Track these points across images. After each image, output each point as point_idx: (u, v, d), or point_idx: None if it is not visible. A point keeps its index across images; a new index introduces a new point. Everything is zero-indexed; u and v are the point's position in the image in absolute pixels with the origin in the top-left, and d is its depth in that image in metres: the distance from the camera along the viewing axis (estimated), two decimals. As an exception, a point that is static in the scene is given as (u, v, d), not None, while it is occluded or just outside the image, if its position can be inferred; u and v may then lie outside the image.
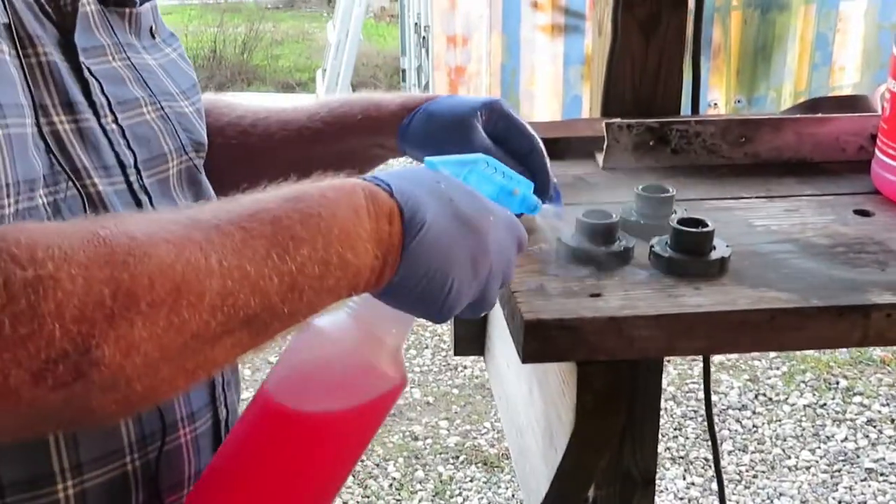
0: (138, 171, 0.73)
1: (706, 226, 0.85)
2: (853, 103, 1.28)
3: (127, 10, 0.78)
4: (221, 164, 0.98)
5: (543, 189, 0.88)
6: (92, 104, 0.70)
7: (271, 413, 0.71)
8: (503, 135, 0.89)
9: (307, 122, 0.96)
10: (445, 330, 3.55)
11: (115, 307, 0.50)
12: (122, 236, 0.52)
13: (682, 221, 0.86)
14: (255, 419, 0.72)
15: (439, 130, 0.88)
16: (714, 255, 0.85)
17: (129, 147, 0.73)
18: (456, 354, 1.39)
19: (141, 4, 0.80)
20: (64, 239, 0.51)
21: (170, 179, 0.77)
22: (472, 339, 1.35)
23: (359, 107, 0.94)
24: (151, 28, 0.83)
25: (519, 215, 0.75)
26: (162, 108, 0.78)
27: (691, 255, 0.84)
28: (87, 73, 0.71)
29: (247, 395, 3.12)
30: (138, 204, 0.72)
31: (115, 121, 0.72)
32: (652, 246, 0.86)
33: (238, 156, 0.99)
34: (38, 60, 0.67)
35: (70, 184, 0.66)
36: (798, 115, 1.17)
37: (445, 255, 0.65)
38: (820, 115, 1.16)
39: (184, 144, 0.80)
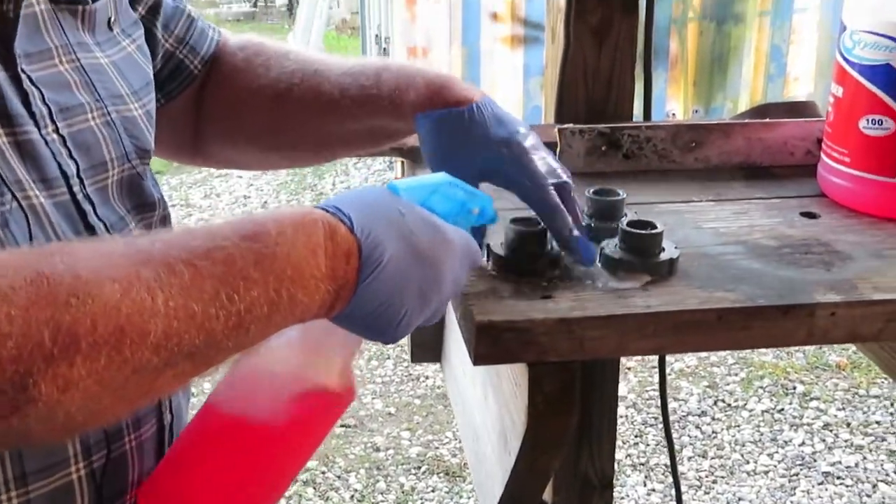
0: (81, 181, 0.72)
1: (655, 228, 0.86)
2: (801, 109, 1.31)
3: (80, 8, 0.76)
4: (258, 128, 0.98)
5: (564, 246, 0.84)
6: (32, 115, 0.69)
7: (217, 423, 0.72)
8: (513, 180, 0.84)
9: (339, 97, 0.92)
10: (407, 341, 3.55)
11: (55, 348, 0.50)
12: (66, 275, 0.52)
13: (631, 224, 0.87)
14: (201, 425, 0.73)
15: (443, 149, 0.86)
16: (663, 256, 0.86)
17: (70, 156, 0.71)
18: (413, 361, 1.39)
19: (95, 1, 0.78)
20: (5, 277, 0.50)
21: (108, 188, 0.76)
22: (428, 346, 1.35)
23: (387, 89, 0.89)
24: (110, 20, 0.81)
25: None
26: (108, 112, 0.77)
27: (641, 256, 0.85)
28: (26, 83, 0.69)
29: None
30: (82, 214, 0.71)
31: (56, 130, 0.71)
32: (603, 248, 0.87)
33: (272, 121, 0.97)
34: None
35: (11, 197, 0.65)
36: (747, 121, 1.19)
37: (399, 290, 0.66)
38: (768, 120, 1.18)
39: (127, 152, 0.78)
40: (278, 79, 0.96)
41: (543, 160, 0.85)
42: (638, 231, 0.86)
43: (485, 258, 0.86)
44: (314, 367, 0.71)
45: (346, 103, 0.91)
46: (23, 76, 0.69)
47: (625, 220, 0.88)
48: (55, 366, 0.50)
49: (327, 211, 0.65)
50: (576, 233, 0.83)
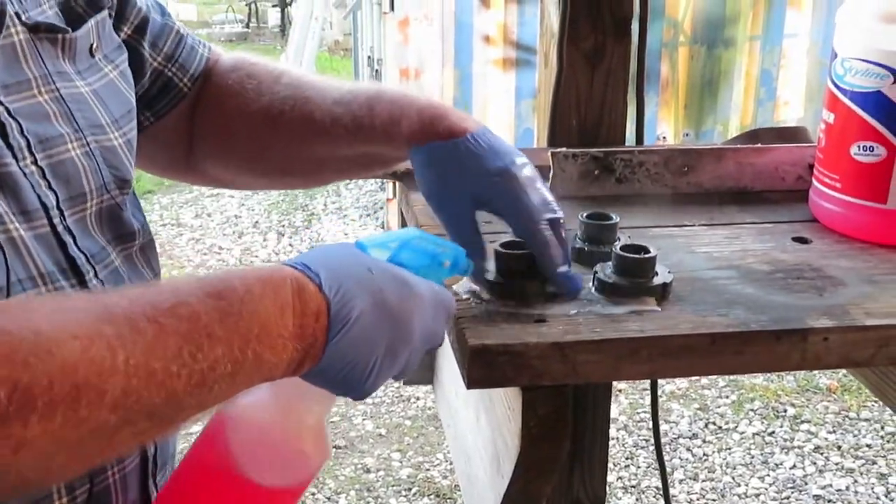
0: (61, 212, 0.71)
1: (648, 252, 0.87)
2: (792, 134, 1.32)
3: (60, 36, 0.75)
4: (248, 151, 0.98)
5: (551, 281, 0.84)
6: (10, 147, 0.68)
7: (195, 475, 0.72)
8: (506, 212, 0.84)
9: (330, 126, 0.91)
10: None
11: (11, 408, 0.49)
12: (26, 331, 0.51)
13: (625, 248, 0.87)
14: (183, 478, 0.72)
15: (437, 181, 0.85)
16: (656, 280, 0.86)
17: (50, 188, 0.71)
18: (405, 384, 1.39)
19: (76, 29, 0.77)
20: None
21: (87, 219, 0.75)
22: (420, 369, 1.35)
23: (380, 120, 0.87)
24: (91, 46, 0.80)
25: None
26: (88, 143, 0.75)
27: (634, 280, 0.86)
28: (3, 115, 0.68)
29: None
30: (62, 245, 0.70)
31: (35, 162, 0.70)
32: (595, 272, 0.87)
33: (263, 146, 0.96)
34: None
35: None
36: (738, 146, 1.20)
37: (368, 347, 0.66)
38: (760, 145, 1.19)
39: (106, 182, 0.77)
40: (269, 104, 0.94)
41: (538, 192, 0.84)
42: (631, 255, 0.86)
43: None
44: (287, 426, 0.70)
45: (338, 132, 0.90)
46: (0, 108, 0.68)
47: (618, 245, 0.89)
48: (9, 426, 0.49)
49: (296, 268, 0.65)
50: (563, 269, 0.84)
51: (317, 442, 0.72)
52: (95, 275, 0.73)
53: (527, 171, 0.84)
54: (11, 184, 0.67)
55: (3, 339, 0.50)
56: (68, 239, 0.71)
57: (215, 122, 0.98)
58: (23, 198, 0.68)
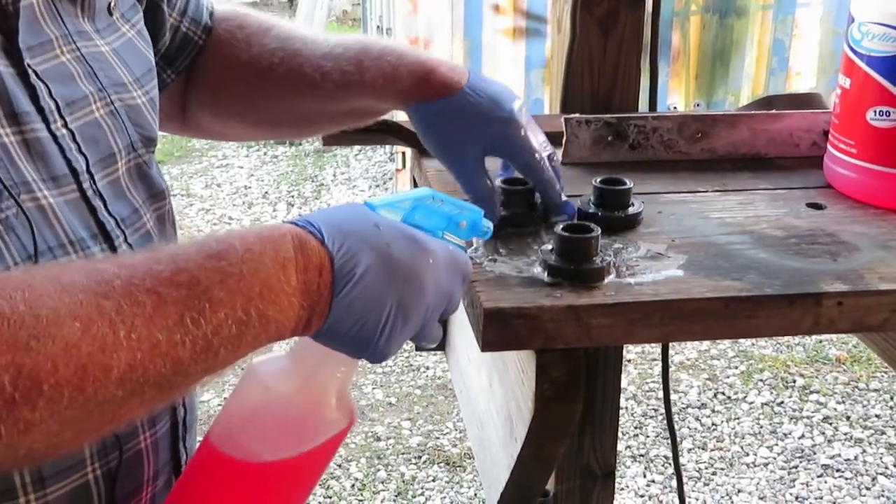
0: (91, 176, 0.70)
1: (591, 231, 0.86)
2: (806, 100, 1.31)
3: None
4: (239, 103, 0.99)
5: (552, 210, 0.92)
6: (41, 110, 0.67)
7: (217, 464, 0.70)
8: (516, 157, 0.90)
9: (320, 81, 0.91)
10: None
11: (17, 393, 0.49)
12: (27, 315, 0.51)
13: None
14: (202, 470, 0.71)
15: (445, 137, 0.90)
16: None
17: (80, 151, 0.70)
18: (417, 350, 1.40)
19: None
20: None
21: (120, 179, 0.74)
22: (433, 335, 1.36)
23: (370, 76, 0.89)
24: (110, 5, 0.79)
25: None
26: (112, 102, 0.75)
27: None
28: (33, 78, 0.67)
29: (208, 395, 3.09)
30: (92, 211, 0.70)
31: (66, 125, 0.69)
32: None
33: (253, 98, 0.97)
34: None
35: (14, 202, 0.63)
36: (753, 112, 1.19)
37: (376, 303, 0.65)
38: (774, 111, 1.18)
39: (133, 141, 0.76)
40: (259, 56, 0.95)
41: (536, 132, 0.90)
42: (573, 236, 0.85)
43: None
44: (310, 397, 0.70)
45: (328, 87, 0.91)
46: (29, 71, 0.67)
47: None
48: (17, 410, 0.50)
49: (297, 225, 0.65)
50: (564, 198, 0.92)
51: (341, 410, 0.71)
52: (125, 239, 0.73)
53: (525, 115, 0.90)
54: (40, 149, 0.66)
55: (3, 323, 0.50)
56: (98, 203, 0.70)
57: (207, 72, 0.98)
58: (52, 163, 0.67)
